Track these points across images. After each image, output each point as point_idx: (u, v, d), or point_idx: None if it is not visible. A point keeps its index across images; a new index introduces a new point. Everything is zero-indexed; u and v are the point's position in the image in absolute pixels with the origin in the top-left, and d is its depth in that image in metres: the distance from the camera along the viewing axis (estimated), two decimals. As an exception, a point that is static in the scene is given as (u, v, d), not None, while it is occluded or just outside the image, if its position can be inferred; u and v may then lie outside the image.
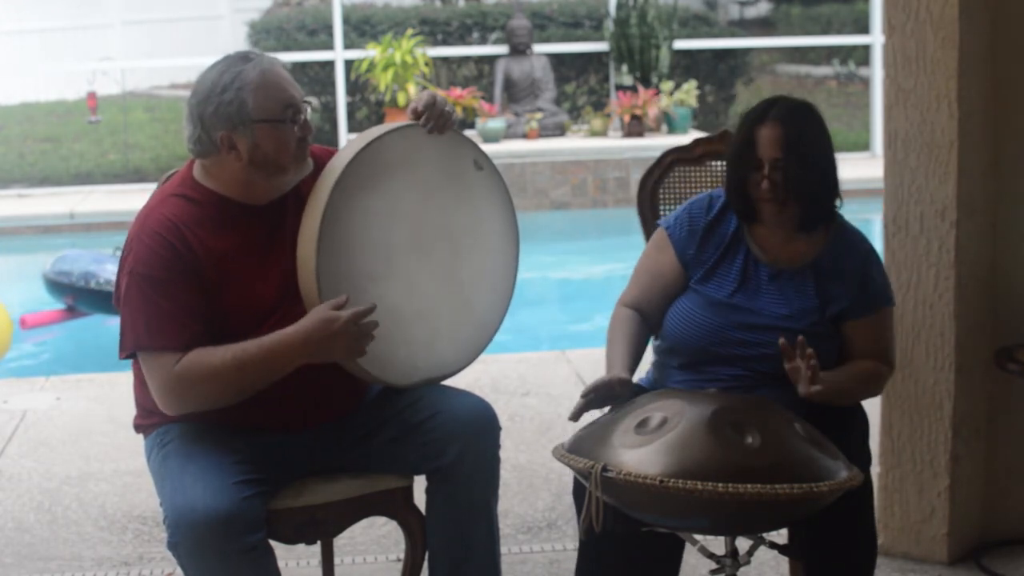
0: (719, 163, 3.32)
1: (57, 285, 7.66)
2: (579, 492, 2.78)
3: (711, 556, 2.74)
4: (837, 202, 2.94)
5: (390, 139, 2.79)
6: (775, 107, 2.86)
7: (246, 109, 2.67)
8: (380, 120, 11.49)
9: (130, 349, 2.70)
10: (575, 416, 2.70)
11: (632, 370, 2.85)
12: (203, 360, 2.63)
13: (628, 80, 11.77)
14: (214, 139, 2.70)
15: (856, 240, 2.94)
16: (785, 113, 2.85)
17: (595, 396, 2.72)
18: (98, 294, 7.50)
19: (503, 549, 3.12)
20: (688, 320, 2.91)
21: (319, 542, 3.02)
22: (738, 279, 2.91)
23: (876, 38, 12.10)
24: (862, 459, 2.79)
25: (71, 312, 7.75)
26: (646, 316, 2.96)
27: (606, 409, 2.78)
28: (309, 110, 2.78)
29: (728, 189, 2.95)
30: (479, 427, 2.84)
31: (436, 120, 2.82)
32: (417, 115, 2.83)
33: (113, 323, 7.68)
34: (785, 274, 2.90)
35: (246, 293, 2.72)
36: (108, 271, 7.48)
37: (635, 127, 11.08)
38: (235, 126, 2.68)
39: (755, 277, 2.91)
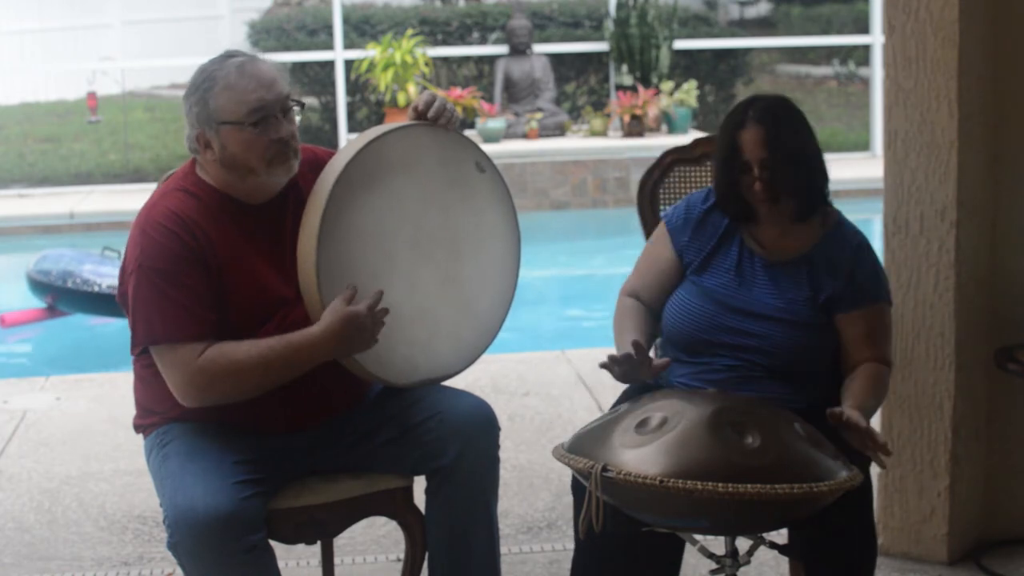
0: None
1: (38, 284, 7.68)
2: (578, 489, 2.78)
3: (711, 556, 2.74)
4: (828, 187, 2.96)
5: (392, 138, 2.79)
6: (752, 108, 2.89)
7: (208, 110, 2.69)
8: (380, 120, 11.49)
9: (144, 344, 2.70)
10: (606, 365, 2.72)
11: (648, 344, 2.87)
12: (228, 354, 2.63)
13: (628, 80, 11.78)
14: (193, 137, 2.72)
15: (849, 234, 2.95)
16: (763, 113, 2.87)
17: (619, 368, 2.72)
18: (76, 293, 7.52)
19: (503, 549, 3.12)
20: (683, 309, 2.94)
21: (319, 542, 3.02)
22: (733, 269, 2.94)
23: (876, 38, 12.10)
24: (860, 457, 2.79)
25: (51, 311, 7.77)
26: (647, 304, 3.01)
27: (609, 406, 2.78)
28: (296, 111, 2.75)
29: (719, 196, 2.97)
30: (478, 427, 2.84)
31: (438, 118, 2.82)
32: (419, 114, 2.83)
33: (97, 322, 7.73)
34: (779, 265, 2.92)
35: (248, 289, 2.72)
36: (87, 271, 7.50)
37: (635, 127, 11.08)
38: (203, 126, 2.70)
39: (750, 267, 2.94)
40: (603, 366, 2.74)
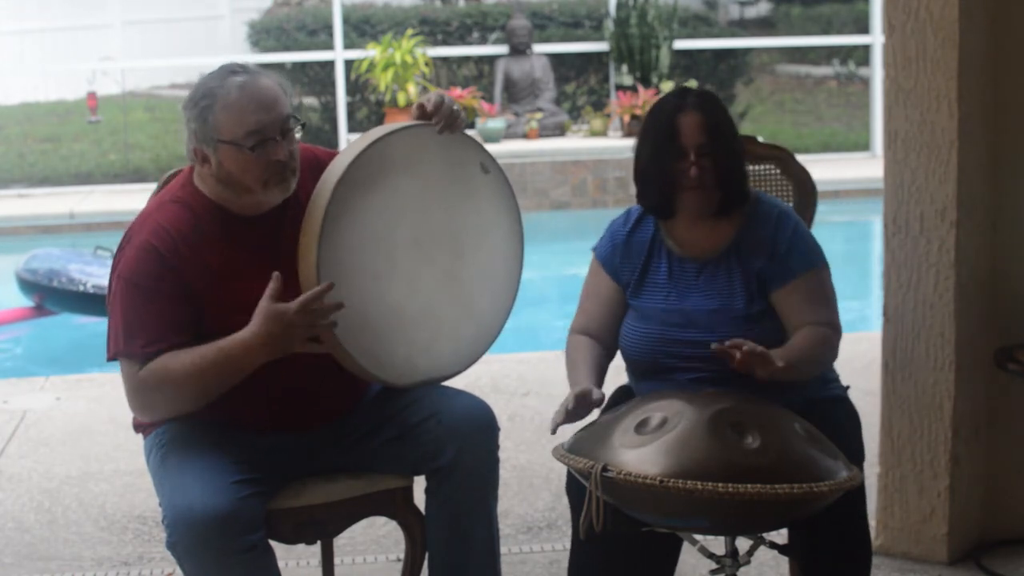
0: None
1: (26, 283, 7.70)
2: (573, 490, 2.78)
3: (711, 556, 2.74)
4: (748, 186, 2.95)
5: (395, 138, 2.78)
6: (689, 95, 2.88)
7: (207, 127, 2.66)
8: (380, 120, 11.50)
9: (111, 352, 2.71)
10: (553, 429, 2.69)
11: (598, 385, 2.83)
12: (164, 366, 2.64)
13: (628, 80, 11.78)
14: (191, 150, 2.70)
15: (767, 208, 2.92)
16: (701, 100, 2.86)
17: (570, 413, 2.70)
18: (62, 292, 7.53)
19: (503, 549, 3.12)
20: (633, 337, 2.92)
21: (319, 542, 3.02)
22: (666, 283, 2.91)
23: (876, 38, 12.10)
24: (856, 455, 2.79)
25: (39, 311, 7.77)
26: (597, 339, 2.95)
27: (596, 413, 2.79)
28: (298, 129, 2.72)
29: (643, 183, 2.93)
30: (478, 427, 2.83)
31: (446, 119, 2.81)
32: (426, 114, 2.82)
33: (83, 321, 7.75)
34: (710, 265, 2.89)
35: (245, 301, 2.69)
36: (74, 270, 7.51)
37: (635, 127, 11.08)
38: (201, 141, 2.68)
39: (682, 277, 2.91)
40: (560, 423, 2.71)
